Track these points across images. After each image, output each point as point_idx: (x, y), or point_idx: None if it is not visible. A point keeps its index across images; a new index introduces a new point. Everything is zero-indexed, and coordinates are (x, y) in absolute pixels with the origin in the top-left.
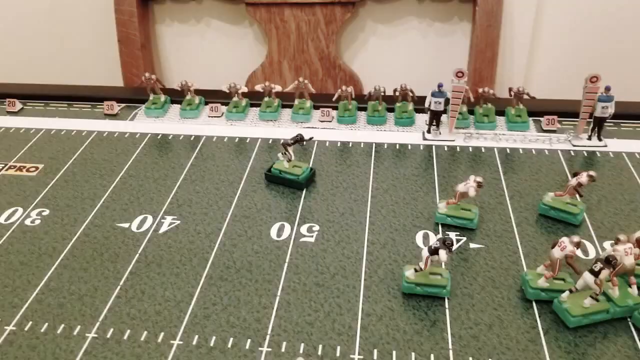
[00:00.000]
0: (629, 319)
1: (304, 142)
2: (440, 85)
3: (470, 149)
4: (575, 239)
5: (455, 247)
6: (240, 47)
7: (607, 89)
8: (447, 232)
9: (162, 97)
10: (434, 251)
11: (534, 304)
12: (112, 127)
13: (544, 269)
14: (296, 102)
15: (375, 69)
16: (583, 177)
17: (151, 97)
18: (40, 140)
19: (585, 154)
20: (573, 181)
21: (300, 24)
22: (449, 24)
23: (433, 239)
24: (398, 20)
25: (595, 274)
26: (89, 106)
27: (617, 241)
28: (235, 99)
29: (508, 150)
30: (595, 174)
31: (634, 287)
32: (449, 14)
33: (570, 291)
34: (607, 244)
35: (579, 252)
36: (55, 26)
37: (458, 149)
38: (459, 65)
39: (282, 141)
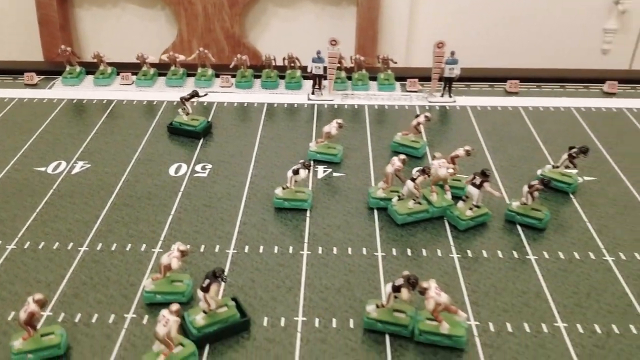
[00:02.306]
0: (444, 217)
1: (200, 96)
2: (318, 52)
3: (346, 107)
4: (402, 156)
5: (321, 176)
6: (153, 29)
7: (452, 53)
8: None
9: (78, 68)
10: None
11: (375, 211)
12: (31, 94)
13: (383, 183)
14: (199, 70)
15: (277, 48)
16: (421, 118)
17: (67, 68)
18: None
19: (438, 108)
20: (414, 121)
21: (206, 6)
22: (339, 7)
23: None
24: (295, 5)
25: (413, 180)
26: (11, 78)
27: (434, 157)
28: (144, 68)
29: (376, 107)
30: (430, 114)
31: (448, 193)
32: None
33: (399, 198)
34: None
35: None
36: None
37: (336, 106)
38: (348, 42)
39: (180, 97)
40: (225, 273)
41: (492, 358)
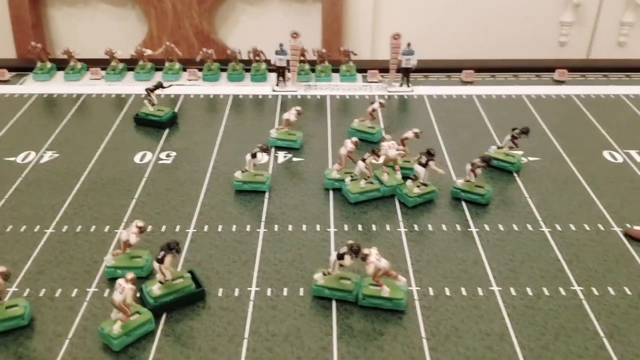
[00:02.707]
0: (395, 196)
1: (164, 87)
2: (281, 45)
3: (309, 97)
4: (354, 139)
5: (281, 161)
6: (124, 27)
7: (408, 44)
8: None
9: (49, 64)
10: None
11: (330, 191)
12: (3, 90)
13: (337, 165)
14: (166, 64)
15: (246, 43)
16: (375, 104)
17: (38, 64)
18: None
19: (396, 97)
20: (369, 108)
21: (175, 3)
22: (305, 4)
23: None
24: (263, 2)
25: (364, 160)
26: None
27: (384, 139)
28: (113, 63)
29: (338, 97)
30: (384, 101)
31: (398, 172)
32: None
33: (352, 178)
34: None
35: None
36: None
37: (299, 97)
38: (314, 37)
39: (145, 88)
40: (184, 250)
41: (430, 319)
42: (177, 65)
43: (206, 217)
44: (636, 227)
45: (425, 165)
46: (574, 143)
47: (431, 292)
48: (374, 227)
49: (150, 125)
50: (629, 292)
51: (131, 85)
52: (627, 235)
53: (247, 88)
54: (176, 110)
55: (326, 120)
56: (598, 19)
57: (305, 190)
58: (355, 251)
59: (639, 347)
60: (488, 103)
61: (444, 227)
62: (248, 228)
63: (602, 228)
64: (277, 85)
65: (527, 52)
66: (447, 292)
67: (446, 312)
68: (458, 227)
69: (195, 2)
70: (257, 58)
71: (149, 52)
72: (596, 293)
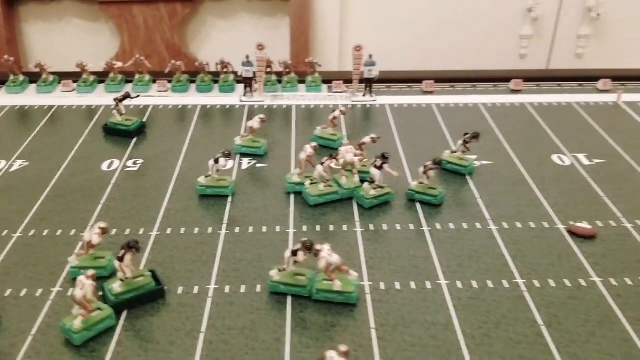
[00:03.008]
0: (353, 198)
1: (132, 98)
2: (247, 57)
3: (275, 107)
4: (313, 144)
5: (245, 167)
6: (98, 41)
7: (370, 56)
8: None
9: (21, 77)
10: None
11: (292, 195)
12: None
13: (298, 169)
14: (137, 76)
15: (217, 57)
16: (336, 112)
17: (11, 77)
18: None
19: (359, 106)
20: (330, 116)
21: (147, 18)
22: (274, 18)
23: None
24: (233, 16)
25: (322, 164)
26: None
27: (342, 144)
28: (84, 75)
29: (303, 107)
30: (345, 108)
31: (356, 176)
32: (273, 10)
33: (312, 181)
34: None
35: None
36: None
37: (266, 107)
38: (283, 50)
39: (114, 98)
40: (147, 252)
41: (380, 311)
42: (147, 77)
43: (170, 220)
44: (578, 224)
45: (380, 168)
46: (525, 148)
47: (382, 286)
48: (331, 228)
49: (118, 135)
50: (568, 284)
51: (102, 97)
52: (570, 232)
53: (216, 99)
54: (145, 120)
55: (291, 128)
56: (556, 32)
57: (268, 195)
58: (308, 247)
59: (575, 334)
60: (446, 111)
61: (398, 226)
62: (210, 230)
63: (547, 225)
64: (245, 95)
65: (490, 64)
66: (398, 286)
67: (395, 305)
68: (411, 227)
69: (166, 16)
70: (225, 70)
71: (119, 64)
72: (537, 285)
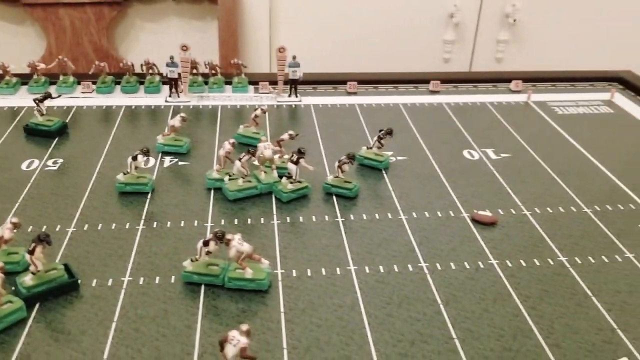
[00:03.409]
0: (272, 193)
1: (52, 98)
2: (171, 58)
3: (201, 107)
4: (231, 140)
5: (167, 165)
6: (24, 43)
7: (294, 57)
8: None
9: None
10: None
11: (212, 191)
12: None
13: (217, 165)
14: (61, 77)
15: (150, 59)
16: (258, 111)
17: None
18: None
19: (285, 107)
20: (252, 114)
21: (73, 21)
22: (203, 21)
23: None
24: (162, 19)
25: (240, 159)
26: None
27: (260, 140)
28: (7, 77)
29: (229, 107)
30: (266, 107)
31: (275, 171)
32: (201, 13)
33: (230, 177)
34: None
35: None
36: None
37: (191, 107)
38: (213, 52)
39: (33, 98)
40: (62, 247)
41: (290, 296)
42: (71, 79)
43: (87, 217)
44: (481, 212)
45: (296, 163)
46: (439, 144)
47: (294, 273)
48: (249, 221)
49: (39, 135)
50: (467, 266)
51: (24, 99)
52: (473, 219)
53: (141, 99)
54: (67, 120)
55: (216, 127)
56: (476, 37)
57: (188, 191)
58: (219, 237)
59: (470, 311)
60: (368, 111)
61: (313, 218)
62: (127, 226)
63: (453, 214)
64: (170, 96)
65: (416, 67)
66: (309, 272)
67: (305, 290)
68: (327, 218)
69: (93, 19)
70: (151, 71)
71: (42, 65)
72: (439, 268)
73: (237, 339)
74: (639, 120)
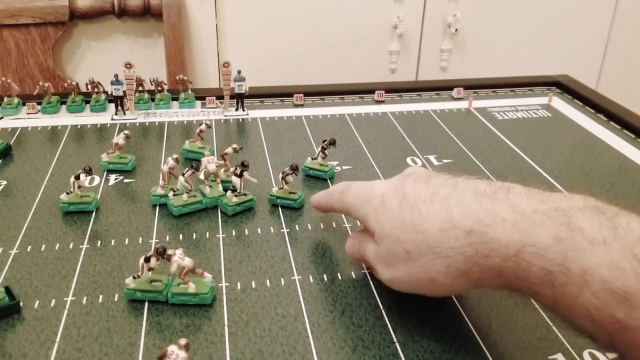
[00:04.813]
0: (218, 207)
1: None
2: (116, 76)
3: (148, 124)
4: (175, 155)
5: (112, 183)
6: None
7: (239, 72)
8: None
9: None
10: (147, 259)
11: (157, 207)
12: None
13: (161, 181)
14: (5, 99)
15: (95, 78)
16: (202, 126)
17: None
18: None
19: (231, 121)
20: (197, 130)
21: (18, 42)
22: (150, 38)
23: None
24: (108, 37)
25: (183, 174)
26: None
27: (204, 155)
28: None
29: (176, 123)
30: (210, 122)
31: (220, 185)
32: (148, 30)
33: (174, 192)
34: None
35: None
36: None
37: (138, 124)
38: (161, 70)
39: None
40: (4, 270)
41: (234, 309)
42: (16, 100)
43: (30, 238)
44: None
45: (240, 176)
46: (383, 152)
47: (239, 286)
48: (194, 236)
49: None
50: None
51: None
52: None
53: (87, 118)
54: (11, 142)
55: (162, 144)
56: (421, 47)
57: (133, 208)
58: (160, 253)
59: (411, 314)
60: (314, 122)
61: (259, 230)
62: (71, 245)
63: None
64: (116, 114)
65: (363, 79)
66: (253, 284)
67: (249, 302)
68: (272, 230)
69: (39, 39)
70: (96, 90)
71: None
72: None
73: (175, 354)
74: (575, 122)
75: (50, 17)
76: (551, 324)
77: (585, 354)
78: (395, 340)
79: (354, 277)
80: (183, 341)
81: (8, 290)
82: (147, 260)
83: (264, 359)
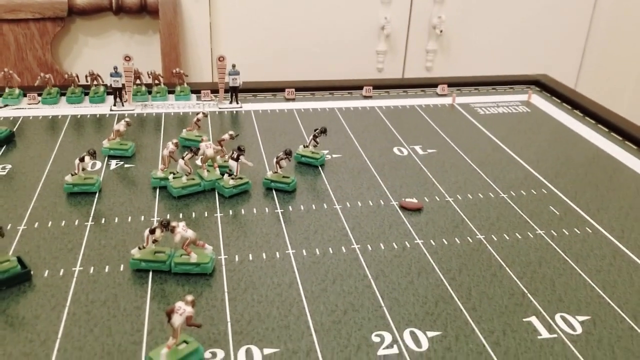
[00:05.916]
0: (216, 190)
1: None
2: (115, 68)
3: (145, 115)
4: (174, 140)
5: (113, 167)
6: None
7: (234, 65)
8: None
9: None
10: (152, 231)
11: (157, 189)
12: None
13: (161, 165)
14: (7, 90)
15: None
16: (200, 115)
17: None
18: None
19: (226, 113)
20: (194, 118)
21: (17, 37)
22: (146, 35)
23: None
24: (105, 34)
25: (183, 158)
26: None
27: (202, 140)
28: None
29: (172, 114)
30: (207, 111)
31: (217, 169)
32: (144, 27)
33: (174, 175)
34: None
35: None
36: None
37: (136, 115)
38: (156, 65)
39: None
40: (14, 243)
41: (233, 278)
42: (17, 91)
43: (37, 216)
44: (407, 199)
45: (236, 160)
46: (371, 142)
47: (237, 258)
48: (194, 215)
49: None
50: (395, 246)
51: None
52: (401, 206)
53: (86, 109)
54: (14, 129)
55: (160, 133)
56: (407, 47)
57: (134, 190)
58: (164, 225)
59: (397, 283)
60: (305, 115)
61: (254, 210)
62: (76, 223)
63: (383, 203)
64: (115, 105)
65: (352, 78)
66: (250, 257)
67: (247, 272)
68: (266, 210)
69: (37, 34)
70: (95, 82)
71: None
72: (370, 249)
73: (182, 309)
74: (553, 117)
75: (49, 12)
76: (526, 292)
77: (557, 317)
78: (382, 304)
79: (344, 251)
80: (190, 297)
81: (20, 260)
82: (152, 231)
83: (262, 321)
